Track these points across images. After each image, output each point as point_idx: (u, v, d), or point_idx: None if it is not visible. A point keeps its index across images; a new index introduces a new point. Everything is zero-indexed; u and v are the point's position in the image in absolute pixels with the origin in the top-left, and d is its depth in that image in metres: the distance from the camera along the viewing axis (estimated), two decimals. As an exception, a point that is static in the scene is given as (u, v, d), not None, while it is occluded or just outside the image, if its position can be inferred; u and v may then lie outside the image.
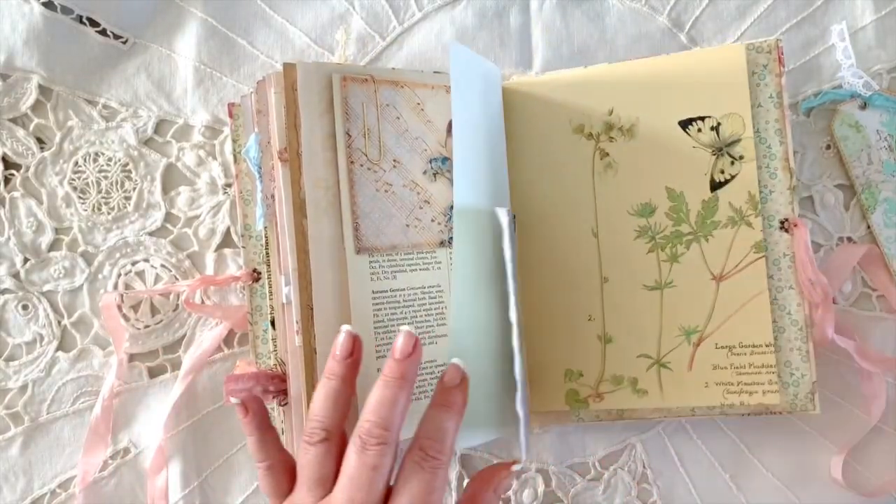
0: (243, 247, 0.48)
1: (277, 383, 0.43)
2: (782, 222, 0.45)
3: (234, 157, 0.48)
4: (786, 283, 0.45)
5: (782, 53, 0.45)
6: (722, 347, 0.45)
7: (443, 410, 0.36)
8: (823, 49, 0.50)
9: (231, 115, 0.48)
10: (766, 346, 0.45)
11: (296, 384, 0.42)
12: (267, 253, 0.45)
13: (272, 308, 0.44)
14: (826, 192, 0.50)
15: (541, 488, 0.50)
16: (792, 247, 0.45)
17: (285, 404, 0.43)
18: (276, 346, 0.44)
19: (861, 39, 0.50)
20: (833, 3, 0.50)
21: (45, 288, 0.50)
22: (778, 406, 0.45)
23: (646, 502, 0.50)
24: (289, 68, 0.41)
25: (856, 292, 0.50)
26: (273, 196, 0.43)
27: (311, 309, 0.41)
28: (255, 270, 0.48)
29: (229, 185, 0.50)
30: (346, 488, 0.34)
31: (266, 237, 0.45)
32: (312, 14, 0.51)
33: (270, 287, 0.45)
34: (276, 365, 0.44)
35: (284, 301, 0.43)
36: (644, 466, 0.50)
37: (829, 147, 0.50)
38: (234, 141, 0.48)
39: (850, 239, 0.50)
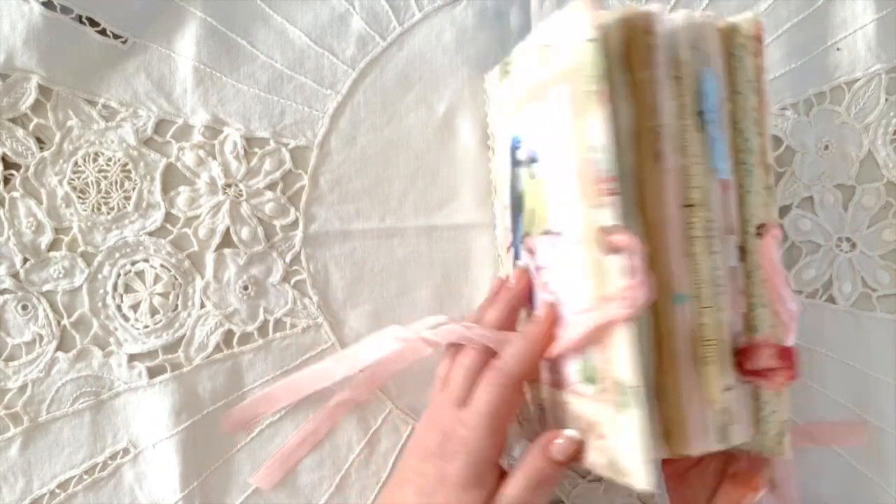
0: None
1: None
2: (759, 227, 0.39)
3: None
4: (759, 299, 0.38)
5: (762, 30, 0.38)
6: None
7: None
8: (824, 48, 0.50)
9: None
10: None
11: None
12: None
13: None
14: (826, 192, 0.50)
15: (541, 488, 0.50)
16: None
17: None
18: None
19: (861, 39, 0.50)
20: (834, 3, 0.50)
21: (45, 288, 0.50)
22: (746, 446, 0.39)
23: (646, 503, 0.50)
24: None
25: (856, 292, 0.50)
26: None
27: None
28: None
29: (229, 186, 0.50)
30: None
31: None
32: (312, 14, 0.51)
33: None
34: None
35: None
36: (644, 466, 0.50)
37: (827, 147, 0.50)
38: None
39: (848, 239, 0.50)
